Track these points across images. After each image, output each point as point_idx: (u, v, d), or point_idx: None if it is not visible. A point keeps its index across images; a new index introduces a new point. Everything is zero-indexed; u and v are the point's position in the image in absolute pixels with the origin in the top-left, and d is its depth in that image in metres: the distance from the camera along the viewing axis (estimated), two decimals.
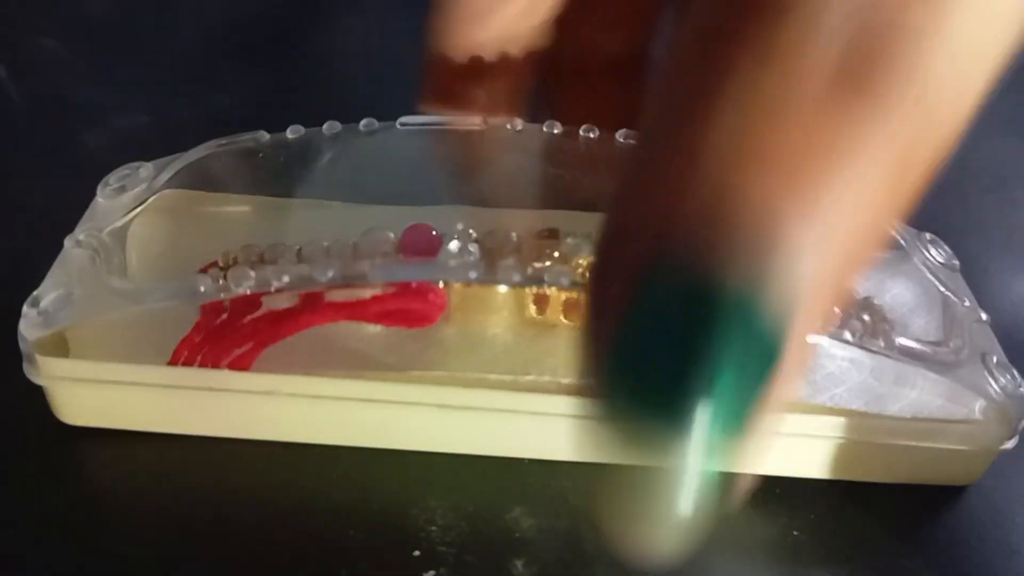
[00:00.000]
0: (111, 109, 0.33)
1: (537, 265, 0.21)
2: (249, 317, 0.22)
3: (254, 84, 0.35)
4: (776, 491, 0.23)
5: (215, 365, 0.22)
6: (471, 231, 0.22)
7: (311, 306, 0.22)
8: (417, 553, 0.21)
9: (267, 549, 0.21)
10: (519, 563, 0.21)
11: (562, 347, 0.23)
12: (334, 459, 0.23)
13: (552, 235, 0.22)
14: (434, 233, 0.22)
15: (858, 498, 0.23)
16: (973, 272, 0.25)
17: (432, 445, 0.23)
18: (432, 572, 0.20)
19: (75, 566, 0.20)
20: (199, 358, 0.22)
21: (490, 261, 0.21)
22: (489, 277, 0.21)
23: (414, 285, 0.23)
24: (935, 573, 0.21)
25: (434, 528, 0.21)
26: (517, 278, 0.21)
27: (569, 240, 0.22)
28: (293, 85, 0.35)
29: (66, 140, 0.31)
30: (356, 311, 0.23)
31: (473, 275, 0.21)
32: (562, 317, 0.23)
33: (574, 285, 0.21)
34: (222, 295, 0.21)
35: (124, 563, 0.20)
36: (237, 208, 0.26)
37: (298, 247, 0.22)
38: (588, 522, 0.22)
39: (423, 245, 0.22)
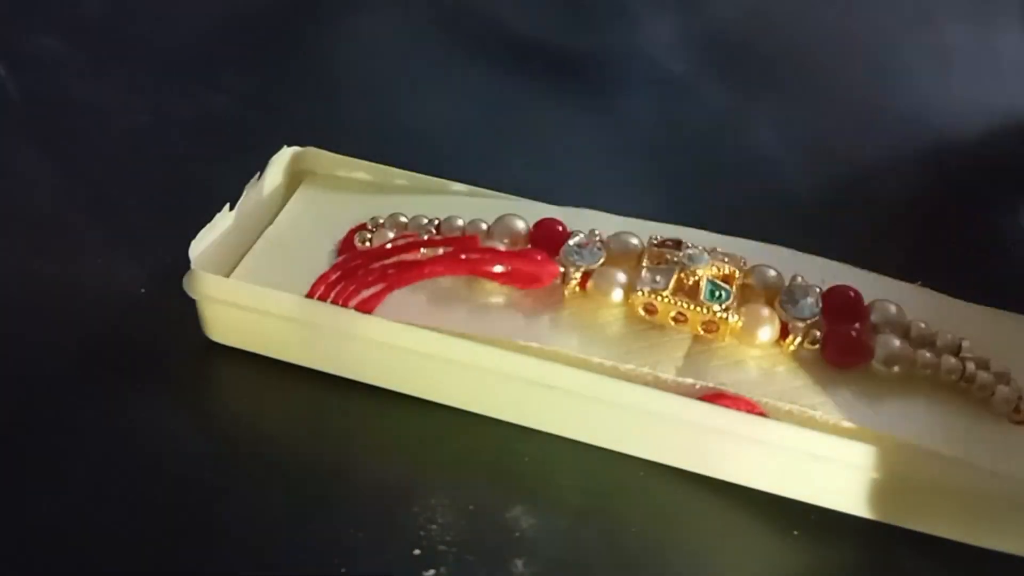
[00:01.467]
0: (111, 108, 0.33)
1: (650, 267, 0.23)
2: (380, 263, 0.24)
3: (254, 84, 0.35)
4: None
5: (344, 303, 0.23)
6: (597, 232, 0.25)
7: (437, 258, 0.24)
8: (417, 552, 0.21)
9: (265, 548, 0.21)
10: (519, 562, 0.20)
11: (666, 345, 0.23)
12: (333, 456, 0.23)
13: (675, 245, 0.24)
14: (560, 228, 0.25)
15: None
16: None
17: (524, 419, 0.23)
18: (432, 571, 0.20)
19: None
20: (333, 294, 0.23)
21: (609, 259, 0.24)
22: (603, 276, 0.23)
23: (536, 256, 0.24)
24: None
25: (434, 527, 0.21)
26: (623, 279, 0.23)
27: (689, 250, 0.23)
28: (294, 85, 0.35)
29: (66, 139, 0.31)
30: (478, 265, 0.23)
31: (590, 263, 0.23)
32: (671, 320, 0.23)
33: (680, 291, 0.23)
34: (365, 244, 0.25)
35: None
36: (393, 180, 0.28)
37: (437, 221, 0.25)
38: (588, 520, 0.22)
39: (551, 236, 0.25)
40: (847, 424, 0.22)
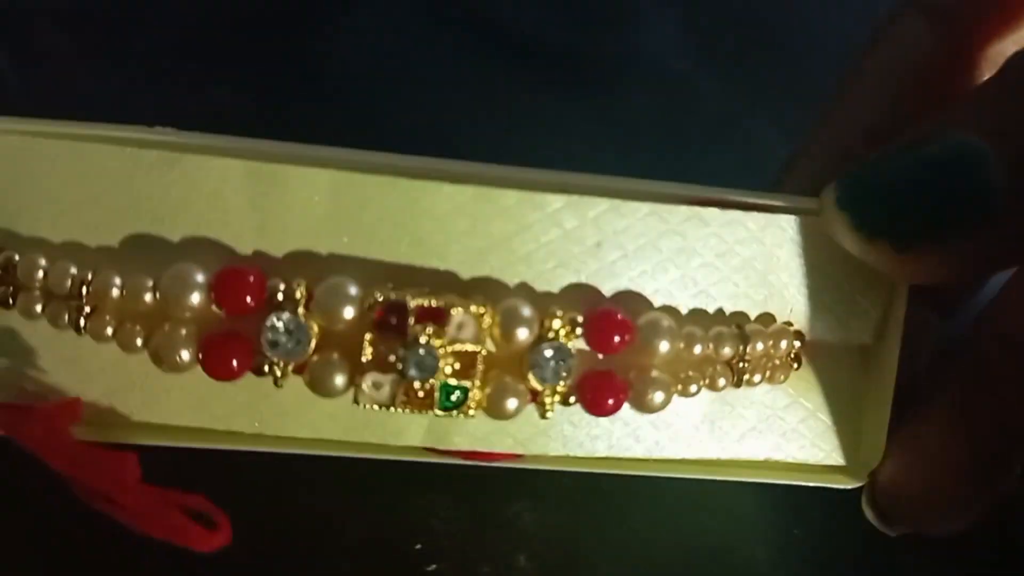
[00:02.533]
0: (112, 101, 0.33)
1: (372, 370, 0.17)
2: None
3: (256, 79, 0.35)
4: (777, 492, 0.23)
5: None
6: (299, 289, 0.17)
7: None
8: (419, 546, 0.21)
9: (266, 544, 0.21)
10: (522, 557, 0.21)
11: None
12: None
13: (399, 323, 0.17)
14: (252, 279, 0.18)
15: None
16: None
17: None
18: (434, 566, 0.20)
19: None
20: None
21: (322, 336, 0.18)
22: (318, 375, 0.18)
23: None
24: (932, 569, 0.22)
25: (436, 521, 0.21)
26: (341, 381, 0.18)
27: (414, 352, 0.17)
28: (295, 82, 0.35)
29: None
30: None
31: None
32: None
33: (412, 400, 0.18)
34: None
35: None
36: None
37: (88, 277, 0.18)
38: (590, 516, 0.22)
39: (238, 291, 0.18)
40: (600, 455, 0.19)
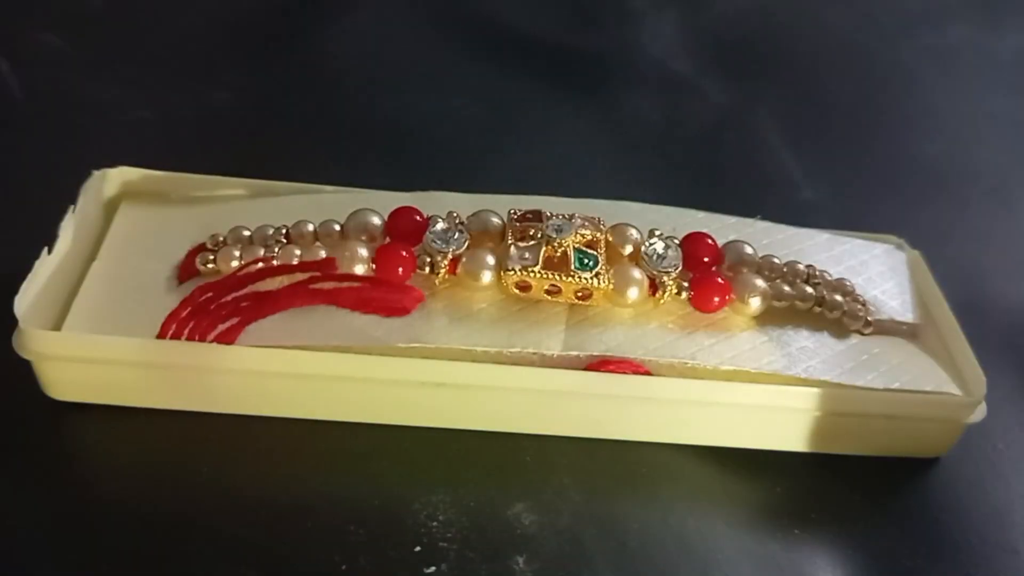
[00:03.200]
0: (112, 104, 0.33)
1: (516, 244, 0.22)
2: (233, 295, 0.22)
3: (255, 81, 0.35)
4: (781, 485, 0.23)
5: (201, 338, 0.22)
6: (455, 214, 0.23)
7: (293, 289, 0.22)
8: (418, 548, 0.21)
9: (267, 543, 0.21)
10: (520, 559, 0.21)
11: (545, 321, 0.23)
12: (335, 453, 0.23)
13: (535, 217, 0.23)
14: (418, 217, 0.23)
15: (841, 474, 0.23)
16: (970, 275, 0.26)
17: (417, 420, 0.23)
18: (433, 568, 0.20)
19: (63, 544, 0.20)
20: (186, 331, 0.22)
21: (473, 241, 0.23)
22: (471, 259, 0.22)
23: (396, 280, 0.23)
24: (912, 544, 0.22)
25: (435, 524, 0.21)
26: (491, 261, 0.22)
27: (552, 221, 0.23)
28: (294, 83, 0.35)
29: (67, 134, 0.31)
30: (335, 297, 0.22)
31: (456, 249, 0.22)
32: (544, 294, 0.23)
33: (550, 264, 0.22)
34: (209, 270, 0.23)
35: (111, 549, 0.20)
36: (225, 191, 0.26)
37: (286, 228, 0.24)
38: (590, 516, 0.22)
39: (409, 226, 0.23)
40: (725, 367, 0.23)
